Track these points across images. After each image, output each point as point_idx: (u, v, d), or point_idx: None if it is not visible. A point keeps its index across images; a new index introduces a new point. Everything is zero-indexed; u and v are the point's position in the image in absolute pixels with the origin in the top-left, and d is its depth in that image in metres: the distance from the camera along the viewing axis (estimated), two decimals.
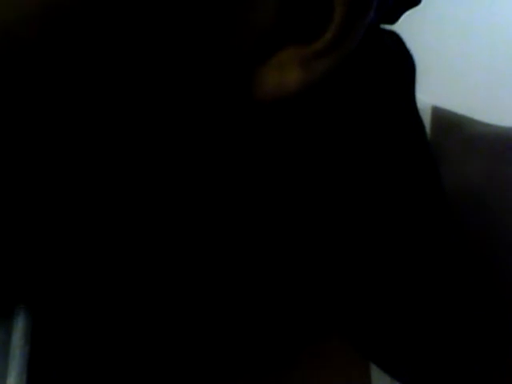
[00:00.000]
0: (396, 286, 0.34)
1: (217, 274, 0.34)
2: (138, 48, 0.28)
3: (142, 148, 0.29)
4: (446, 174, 0.36)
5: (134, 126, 0.29)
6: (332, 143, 0.33)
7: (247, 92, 0.29)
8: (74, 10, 0.27)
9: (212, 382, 0.35)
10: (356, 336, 0.35)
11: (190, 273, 0.34)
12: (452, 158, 0.38)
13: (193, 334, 0.35)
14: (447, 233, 0.35)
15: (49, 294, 0.35)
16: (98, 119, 0.28)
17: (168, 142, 0.29)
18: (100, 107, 0.28)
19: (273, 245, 0.34)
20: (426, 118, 0.39)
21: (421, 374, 0.34)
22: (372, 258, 0.34)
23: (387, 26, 0.36)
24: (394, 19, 0.35)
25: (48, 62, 0.27)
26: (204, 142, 0.30)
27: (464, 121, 0.40)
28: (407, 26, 0.37)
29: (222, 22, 0.28)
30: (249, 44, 0.29)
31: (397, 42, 0.35)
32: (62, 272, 0.32)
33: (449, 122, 0.39)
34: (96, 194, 0.30)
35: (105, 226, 0.31)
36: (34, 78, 0.27)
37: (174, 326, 0.35)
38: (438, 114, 0.39)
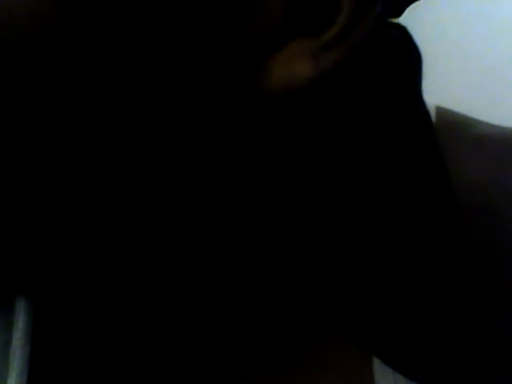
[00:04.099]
0: (399, 282, 0.34)
1: (218, 273, 0.34)
2: (143, 41, 0.27)
3: (145, 144, 0.29)
4: (450, 174, 0.36)
5: (139, 121, 0.29)
6: (339, 137, 0.33)
7: (257, 85, 0.29)
8: (81, 9, 0.26)
9: (214, 381, 0.35)
10: (358, 330, 0.35)
11: (190, 272, 0.34)
12: (456, 158, 0.38)
13: (194, 334, 0.35)
14: (452, 231, 0.35)
15: (50, 294, 0.35)
16: (102, 117, 0.28)
17: (173, 138, 0.29)
18: (104, 103, 0.28)
19: (274, 243, 0.34)
20: None
21: (424, 367, 0.34)
22: (375, 255, 0.34)
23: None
24: (398, 13, 0.35)
25: (51, 60, 0.27)
26: (211, 136, 0.30)
27: (468, 121, 0.40)
28: (408, 27, 0.37)
29: (229, 15, 0.28)
30: (257, 36, 0.29)
31: (403, 35, 0.35)
32: (62, 271, 0.32)
33: (453, 123, 0.39)
34: (97, 192, 0.29)
35: (106, 224, 0.31)
36: (37, 76, 0.27)
37: (175, 326, 0.35)
38: (442, 114, 0.39)
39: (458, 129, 0.39)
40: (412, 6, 0.36)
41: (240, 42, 0.29)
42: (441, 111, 0.40)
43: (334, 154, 0.33)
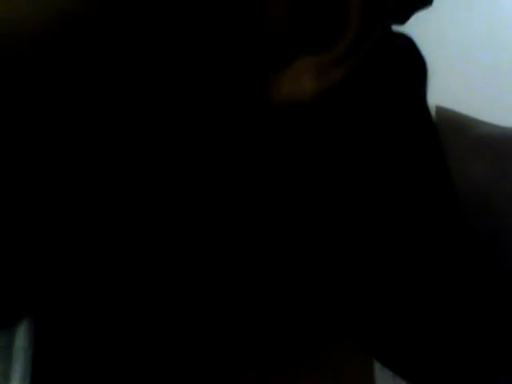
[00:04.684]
0: (400, 284, 0.35)
1: (219, 273, 0.34)
2: (147, 50, 0.27)
3: (148, 146, 0.29)
4: (451, 173, 0.36)
5: (143, 124, 0.29)
6: (344, 145, 0.33)
7: (264, 97, 0.29)
8: (84, 13, 0.27)
9: (215, 381, 0.35)
10: (359, 332, 0.35)
11: (191, 273, 0.34)
12: (458, 158, 0.38)
13: (195, 336, 0.35)
14: (455, 233, 0.35)
15: (51, 296, 0.35)
16: (103, 117, 0.28)
17: (177, 141, 0.29)
18: (106, 104, 0.28)
19: (277, 244, 0.34)
20: None
21: (424, 370, 0.34)
22: (376, 257, 0.34)
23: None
24: (403, 20, 0.35)
25: (52, 62, 0.27)
26: (213, 142, 0.30)
27: (468, 121, 0.40)
28: (407, 28, 0.37)
29: (233, 22, 0.28)
30: (262, 49, 0.29)
31: (410, 46, 0.35)
32: (63, 273, 0.32)
33: (453, 123, 0.39)
34: (97, 192, 0.30)
35: (106, 227, 0.31)
36: (38, 78, 0.27)
37: (176, 327, 0.35)
38: (442, 115, 0.39)
39: (458, 129, 0.39)
40: None
41: (245, 51, 0.29)
42: (441, 111, 0.40)
43: (339, 156, 0.33)
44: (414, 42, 0.36)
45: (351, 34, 0.29)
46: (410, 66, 0.35)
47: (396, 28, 0.36)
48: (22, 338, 0.35)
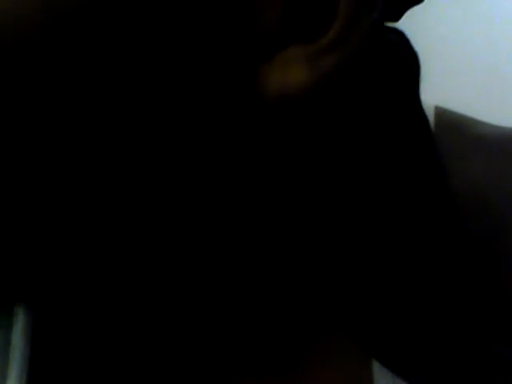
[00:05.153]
0: (399, 283, 0.34)
1: (218, 273, 0.34)
2: (141, 45, 0.27)
3: (145, 144, 0.29)
4: (449, 174, 0.36)
5: (138, 121, 0.29)
6: (339, 140, 0.33)
7: (254, 91, 0.29)
8: (76, 9, 0.26)
9: (215, 381, 0.35)
10: (358, 332, 0.35)
11: (191, 273, 0.33)
12: (456, 158, 0.38)
13: (195, 335, 0.35)
14: (452, 232, 0.35)
15: (49, 294, 0.35)
16: (102, 116, 0.28)
17: (172, 138, 0.29)
18: (104, 103, 0.28)
19: (275, 244, 0.34)
20: (429, 119, 0.38)
21: (423, 371, 0.34)
22: (375, 256, 0.34)
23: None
24: (396, 16, 0.35)
25: (48, 61, 0.27)
26: (207, 140, 0.30)
27: (467, 121, 0.40)
28: (407, 27, 0.37)
29: (227, 20, 0.28)
30: (254, 42, 0.29)
31: (402, 40, 0.35)
32: (62, 272, 0.32)
33: (452, 123, 0.39)
34: (96, 193, 0.29)
35: (105, 225, 0.31)
36: (35, 77, 0.27)
37: (175, 325, 0.35)
38: (441, 115, 0.39)
39: (457, 129, 0.39)
40: None
41: (236, 46, 0.29)
42: (439, 111, 0.40)
43: (333, 156, 0.33)
44: (405, 35, 0.36)
45: (341, 20, 0.29)
46: (402, 59, 0.35)
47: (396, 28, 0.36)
48: (19, 337, 0.35)
